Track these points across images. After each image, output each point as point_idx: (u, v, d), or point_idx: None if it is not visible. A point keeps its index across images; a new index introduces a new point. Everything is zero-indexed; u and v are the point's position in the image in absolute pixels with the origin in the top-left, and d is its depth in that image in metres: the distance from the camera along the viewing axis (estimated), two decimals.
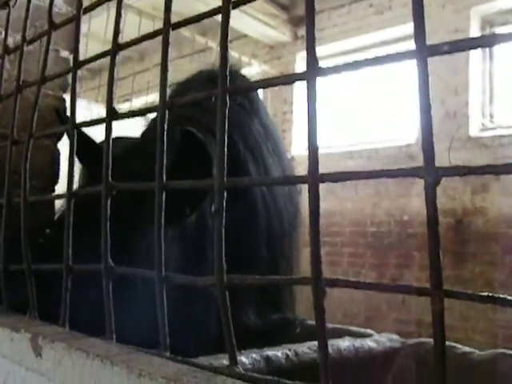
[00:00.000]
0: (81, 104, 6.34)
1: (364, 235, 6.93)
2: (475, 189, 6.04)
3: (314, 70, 0.71)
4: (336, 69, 0.70)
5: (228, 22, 0.81)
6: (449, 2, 6.45)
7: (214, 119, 0.76)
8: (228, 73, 0.80)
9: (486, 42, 0.61)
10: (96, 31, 6.56)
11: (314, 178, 0.68)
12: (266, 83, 0.80)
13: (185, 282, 0.85)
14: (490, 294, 0.61)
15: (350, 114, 7.62)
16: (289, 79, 0.77)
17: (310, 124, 0.71)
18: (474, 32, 6.35)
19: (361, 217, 6.97)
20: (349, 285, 0.68)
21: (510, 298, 0.59)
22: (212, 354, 1.04)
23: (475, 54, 6.33)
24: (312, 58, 0.71)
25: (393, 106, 7.07)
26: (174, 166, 1.24)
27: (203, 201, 1.40)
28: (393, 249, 6.65)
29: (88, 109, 6.77)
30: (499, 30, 6.42)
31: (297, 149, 7.61)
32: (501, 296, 0.60)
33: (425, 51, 0.62)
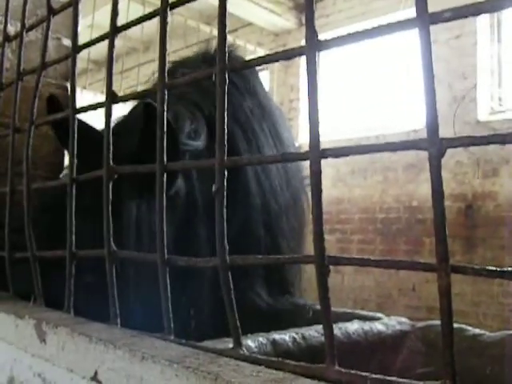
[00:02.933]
0: (86, 96, 6.34)
1: (373, 222, 6.90)
2: (485, 173, 6.00)
3: (313, 43, 0.69)
4: (336, 41, 0.68)
5: (225, 0, 0.79)
6: None
7: (203, 95, 0.74)
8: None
9: (491, 7, 0.58)
10: (100, 22, 6.55)
11: (315, 153, 0.66)
12: (265, 60, 0.78)
13: (187, 264, 0.84)
14: (498, 268, 0.59)
15: (358, 101, 7.57)
16: (288, 54, 0.75)
17: (310, 99, 0.69)
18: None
19: (370, 204, 6.94)
20: (352, 262, 0.67)
21: None
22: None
23: (483, 37, 6.25)
24: (311, 32, 0.69)
25: (400, 92, 7.01)
26: (140, 139, 1.29)
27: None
28: (402, 235, 6.62)
29: (94, 100, 6.74)
30: (506, 11, 6.33)
31: (304, 137, 7.58)
32: (509, 269, 0.58)
33: (426, 19, 0.60)
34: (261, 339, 1.09)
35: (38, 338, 0.96)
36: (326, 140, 7.12)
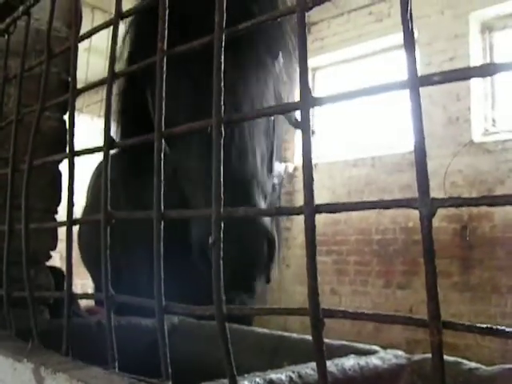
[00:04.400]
0: (84, 120, 6.37)
1: (369, 243, 6.91)
2: (480, 194, 6.01)
3: (307, 100, 0.71)
4: (329, 99, 0.70)
5: (221, 47, 0.81)
6: (448, 7, 6.47)
7: None
8: None
9: (477, 72, 0.60)
10: (98, 45, 6.61)
11: (310, 208, 0.68)
12: (262, 113, 0.80)
13: (184, 311, 0.85)
14: (489, 326, 0.60)
15: (354, 122, 7.62)
16: (283, 109, 0.77)
17: (304, 153, 0.71)
18: (474, 37, 6.36)
19: (366, 225, 6.96)
20: (347, 316, 0.68)
21: (509, 329, 0.59)
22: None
23: (476, 60, 6.33)
24: (305, 88, 0.71)
25: (395, 113, 7.07)
26: None
27: None
28: (399, 256, 6.63)
29: (91, 124, 6.78)
30: (498, 34, 6.42)
31: (299, 159, 7.62)
32: (499, 328, 0.59)
33: (417, 82, 0.62)
34: (257, 379, 1.09)
35: (36, 382, 0.97)
36: (322, 162, 7.17)
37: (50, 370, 0.95)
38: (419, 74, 0.63)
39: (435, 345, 0.61)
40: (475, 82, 6.26)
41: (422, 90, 0.63)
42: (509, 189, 5.80)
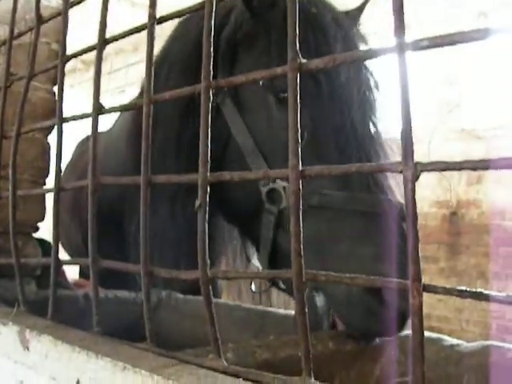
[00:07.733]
0: (83, 95, 6.30)
1: None
2: (471, 180, 6.06)
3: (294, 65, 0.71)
4: (321, 61, 0.71)
5: (211, 17, 0.81)
6: None
7: None
8: None
9: (466, 37, 0.61)
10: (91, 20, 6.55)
11: (295, 173, 0.68)
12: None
13: (169, 276, 0.86)
14: (468, 289, 0.61)
15: None
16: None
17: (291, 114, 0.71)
18: (470, 23, 6.35)
19: None
20: (330, 279, 0.69)
21: (486, 292, 0.60)
22: None
23: (468, 45, 6.31)
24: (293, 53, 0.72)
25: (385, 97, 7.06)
26: None
27: None
28: None
29: (87, 96, 6.73)
30: (494, 21, 6.41)
31: None
32: (478, 290, 0.60)
33: (404, 46, 0.62)
34: (241, 349, 1.11)
35: (21, 345, 0.98)
36: None
37: (35, 333, 0.95)
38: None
39: (415, 307, 0.62)
40: (467, 68, 6.27)
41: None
42: (499, 175, 5.82)
